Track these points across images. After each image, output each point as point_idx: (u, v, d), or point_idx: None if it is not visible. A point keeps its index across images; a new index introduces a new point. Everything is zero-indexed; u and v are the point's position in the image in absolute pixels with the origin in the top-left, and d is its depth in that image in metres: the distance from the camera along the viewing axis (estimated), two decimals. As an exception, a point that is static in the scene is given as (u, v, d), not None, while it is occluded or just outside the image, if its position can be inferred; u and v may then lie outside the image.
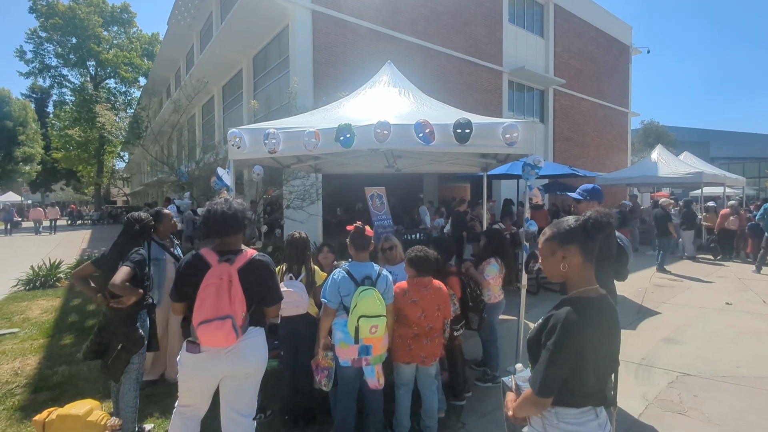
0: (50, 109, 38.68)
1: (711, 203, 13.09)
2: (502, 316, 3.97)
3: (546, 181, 12.46)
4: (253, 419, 3.02)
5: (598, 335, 1.35)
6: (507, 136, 3.50)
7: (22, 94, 41.98)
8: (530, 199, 3.87)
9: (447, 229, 8.99)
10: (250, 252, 2.23)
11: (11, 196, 34.39)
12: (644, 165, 13.89)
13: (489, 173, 6.45)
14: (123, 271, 2.63)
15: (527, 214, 3.83)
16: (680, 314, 5.93)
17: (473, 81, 15.10)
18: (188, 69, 19.64)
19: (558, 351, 1.32)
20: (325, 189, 8.38)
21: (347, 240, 2.80)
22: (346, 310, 2.60)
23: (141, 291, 2.70)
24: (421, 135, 3.51)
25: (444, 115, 4.05)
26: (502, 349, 3.92)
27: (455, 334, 3.12)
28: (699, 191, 14.21)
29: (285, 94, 9.94)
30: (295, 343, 3.03)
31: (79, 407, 1.91)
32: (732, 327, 5.33)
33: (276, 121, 4.28)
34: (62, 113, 32.27)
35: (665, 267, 9.18)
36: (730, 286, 7.69)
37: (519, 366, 1.70)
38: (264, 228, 7.81)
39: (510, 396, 1.57)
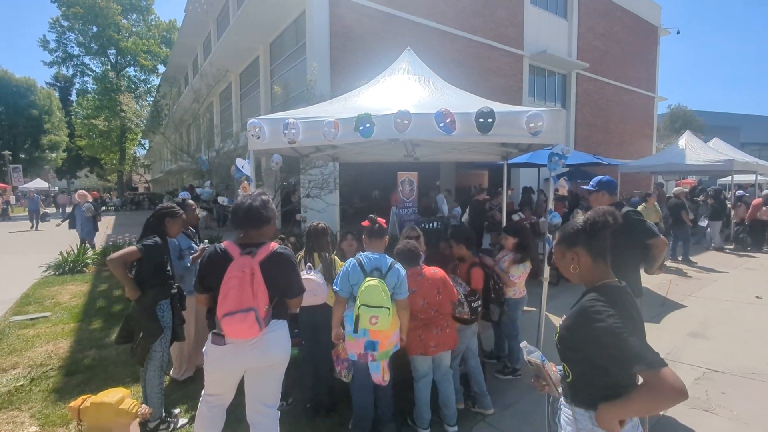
0: (74, 97, 39.63)
1: (740, 192, 12.61)
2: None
3: (567, 170, 12.20)
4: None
5: (627, 317, 1.32)
6: (531, 125, 3.39)
7: (46, 83, 43.02)
8: (556, 190, 3.77)
9: (465, 218, 8.91)
10: (272, 245, 2.24)
11: (39, 183, 35.60)
12: (671, 152, 13.41)
13: (509, 162, 6.32)
14: (126, 249, 2.73)
15: (551, 206, 3.73)
16: (707, 308, 5.77)
17: (493, 66, 14.75)
18: (206, 56, 19.73)
19: (627, 325, 1.27)
20: (342, 178, 8.37)
21: (363, 234, 2.81)
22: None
23: (131, 280, 2.78)
24: (442, 125, 3.44)
25: (466, 103, 3.95)
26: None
27: (474, 306, 3.08)
28: (729, 179, 13.66)
29: (302, 81, 9.90)
30: (315, 333, 3.05)
31: (112, 395, 1.97)
32: (762, 322, 5.16)
33: (295, 111, 4.26)
34: (85, 102, 33.02)
35: (690, 258, 8.92)
36: (760, 278, 7.42)
37: (524, 343, 1.64)
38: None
39: (550, 367, 1.54)
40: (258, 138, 3.93)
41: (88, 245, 9.41)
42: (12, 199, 26.02)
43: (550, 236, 3.67)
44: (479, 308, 3.16)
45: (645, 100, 21.42)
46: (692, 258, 8.96)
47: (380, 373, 2.61)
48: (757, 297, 6.20)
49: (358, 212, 16.78)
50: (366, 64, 10.43)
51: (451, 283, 2.99)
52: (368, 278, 2.54)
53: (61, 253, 8.30)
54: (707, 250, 10.34)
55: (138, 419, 2.02)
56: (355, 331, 2.52)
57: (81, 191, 10.23)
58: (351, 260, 2.68)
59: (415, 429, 2.89)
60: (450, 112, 3.44)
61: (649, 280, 6.82)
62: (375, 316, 2.42)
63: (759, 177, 14.68)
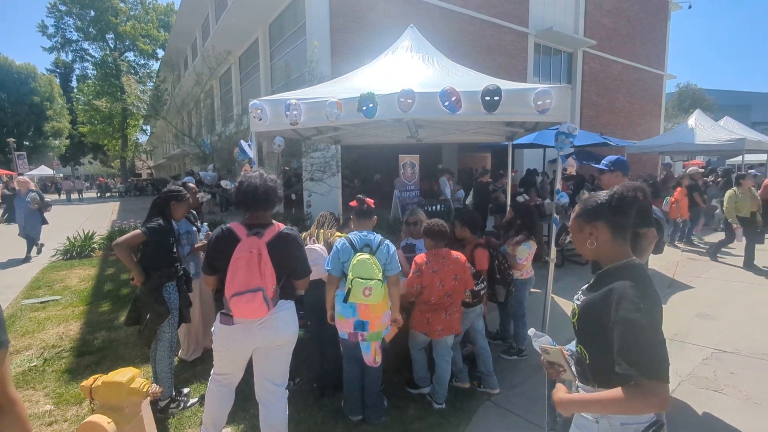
0: (74, 83, 39.42)
1: (752, 171, 12.41)
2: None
3: (573, 151, 12.05)
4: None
5: (659, 299, 1.28)
6: (539, 102, 3.32)
7: (47, 70, 42.77)
8: (564, 170, 3.71)
9: (468, 200, 8.85)
10: (278, 226, 2.23)
11: (43, 170, 35.74)
12: (680, 131, 13.17)
13: (514, 142, 6.22)
14: (130, 233, 2.74)
15: (558, 186, 3.68)
16: (715, 288, 5.73)
17: (496, 44, 14.45)
18: (204, 39, 19.45)
19: (653, 322, 1.18)
20: (345, 160, 8.31)
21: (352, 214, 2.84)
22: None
23: (137, 265, 2.78)
24: (447, 104, 3.37)
25: (471, 81, 3.86)
26: (528, 323, 3.88)
27: (476, 289, 3.09)
28: (739, 159, 13.41)
29: (302, 62, 9.75)
30: (321, 314, 3.06)
31: (123, 375, 1.99)
32: (770, 301, 5.13)
33: (296, 92, 4.19)
34: (85, 87, 32.84)
35: (692, 239, 8.85)
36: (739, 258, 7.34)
37: (532, 330, 1.62)
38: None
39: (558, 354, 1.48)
40: (260, 120, 3.88)
41: (35, 247, 8.15)
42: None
43: (557, 216, 3.62)
44: (483, 291, 3.15)
45: (654, 79, 20.98)
46: (696, 240, 8.88)
47: (371, 354, 2.62)
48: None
49: (361, 195, 16.76)
50: (367, 44, 10.24)
51: (470, 273, 2.99)
52: (359, 253, 2.55)
53: (68, 238, 8.35)
54: (716, 231, 10.25)
55: (149, 398, 2.03)
56: (345, 300, 2.52)
57: (21, 178, 8.40)
58: (341, 239, 2.69)
59: (412, 394, 3.09)
60: (455, 91, 3.36)
61: (656, 262, 6.81)
62: (368, 287, 2.43)
63: (769, 156, 14.45)
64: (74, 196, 27.02)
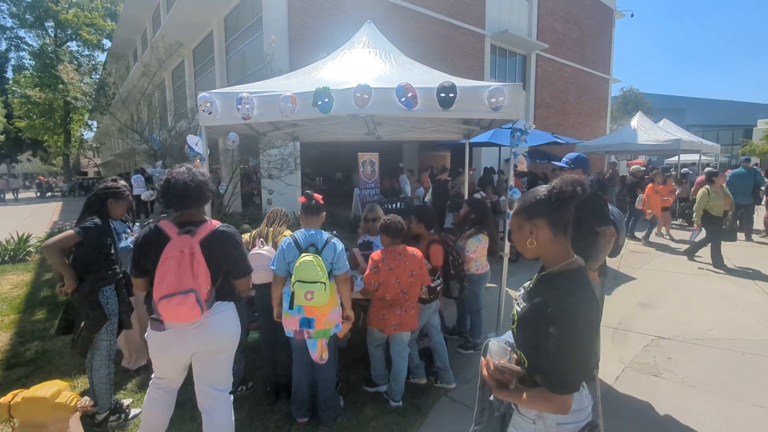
0: (9, 75, 36.23)
1: (685, 170, 13.39)
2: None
3: (528, 148, 12.45)
4: (236, 392, 3.03)
5: (596, 306, 1.29)
6: (492, 100, 3.37)
7: (-24, 58, 39.04)
8: (515, 166, 3.80)
9: (428, 198, 8.94)
10: (213, 223, 2.11)
11: (-27, 168, 32.64)
12: (624, 132, 13.99)
13: (471, 141, 6.33)
14: (62, 234, 2.54)
15: (512, 182, 3.76)
16: (655, 279, 6.11)
17: (455, 45, 14.70)
18: (155, 30, 18.45)
19: (575, 337, 1.19)
20: (304, 158, 8.15)
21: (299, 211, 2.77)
22: None
23: (70, 268, 2.58)
24: (403, 99, 3.36)
25: (427, 78, 3.87)
26: (483, 317, 3.95)
27: (432, 285, 3.09)
28: (675, 158, 14.45)
29: (259, 57, 9.46)
30: (272, 316, 2.97)
31: (47, 389, 1.81)
32: (704, 291, 5.53)
33: (249, 85, 4.03)
34: (22, 78, 30.30)
35: (636, 233, 9.39)
36: (703, 250, 7.92)
37: (495, 344, 1.53)
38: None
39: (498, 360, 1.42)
40: (210, 113, 3.70)
41: None
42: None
43: (510, 212, 3.71)
44: (439, 287, 3.16)
45: (600, 82, 22.15)
46: (638, 234, 9.43)
47: (318, 351, 2.57)
48: (700, 268, 6.63)
49: (321, 193, 16.58)
50: (327, 40, 10.07)
51: (426, 269, 2.98)
52: (303, 254, 2.48)
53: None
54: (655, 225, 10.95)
55: (78, 413, 1.86)
56: (291, 307, 2.49)
57: None
58: (286, 238, 2.62)
59: (369, 393, 3.07)
60: (411, 87, 3.35)
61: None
62: (310, 291, 2.37)
63: (702, 156, 15.63)
64: (9, 196, 25.32)
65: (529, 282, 1.45)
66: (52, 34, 31.26)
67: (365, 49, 4.60)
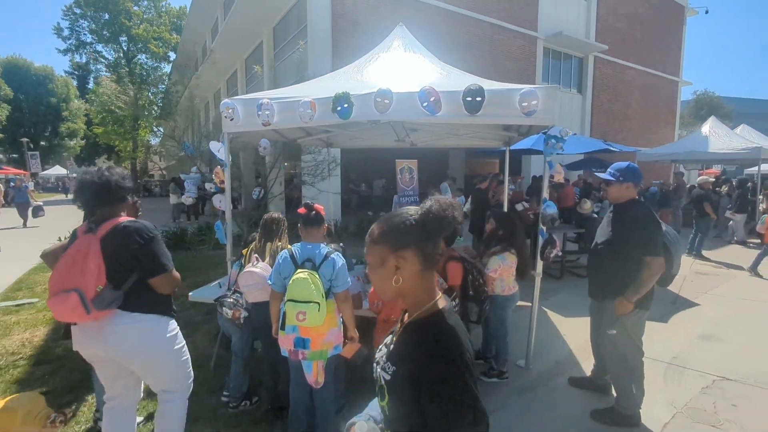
0: (91, 85, 40.14)
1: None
2: (518, 302, 3.57)
3: (572, 157, 11.71)
4: (239, 406, 2.93)
5: (465, 357, 0.99)
6: (524, 104, 3.06)
7: (65, 72, 43.69)
8: (551, 177, 3.43)
9: (467, 207, 8.56)
10: (119, 219, 2.01)
11: (58, 170, 36.41)
12: (693, 139, 12.68)
13: (512, 147, 5.93)
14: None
15: (545, 194, 3.39)
16: (723, 307, 5.34)
17: (504, 49, 14.17)
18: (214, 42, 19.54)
19: (458, 395, 0.94)
20: (347, 164, 8.09)
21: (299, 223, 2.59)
22: None
23: None
24: (425, 104, 3.14)
25: (454, 81, 3.62)
26: (512, 339, 3.57)
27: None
28: (756, 169, 12.81)
29: (303, 65, 9.60)
30: (271, 333, 2.83)
31: (17, 402, 1.77)
32: (784, 323, 4.73)
33: (271, 91, 4.00)
34: (100, 90, 33.34)
35: (702, 252, 8.39)
36: (785, 274, 6.91)
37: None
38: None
39: None
40: (231, 120, 3.69)
41: None
42: (30, 185, 26.65)
43: (543, 228, 3.34)
44: (455, 309, 2.87)
45: (668, 85, 20.42)
46: (706, 253, 8.42)
47: (313, 375, 2.36)
48: (780, 295, 5.74)
49: (364, 200, 16.58)
50: (370, 47, 10.02)
51: (439, 288, 2.71)
52: (298, 271, 2.30)
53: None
54: (728, 244, 9.77)
55: (53, 427, 1.80)
56: (282, 327, 2.33)
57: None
58: (284, 252, 2.46)
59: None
60: (435, 90, 3.13)
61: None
62: (302, 311, 2.19)
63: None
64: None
65: (390, 337, 1.15)
66: (125, 48, 34.21)
67: (397, 53, 4.48)
